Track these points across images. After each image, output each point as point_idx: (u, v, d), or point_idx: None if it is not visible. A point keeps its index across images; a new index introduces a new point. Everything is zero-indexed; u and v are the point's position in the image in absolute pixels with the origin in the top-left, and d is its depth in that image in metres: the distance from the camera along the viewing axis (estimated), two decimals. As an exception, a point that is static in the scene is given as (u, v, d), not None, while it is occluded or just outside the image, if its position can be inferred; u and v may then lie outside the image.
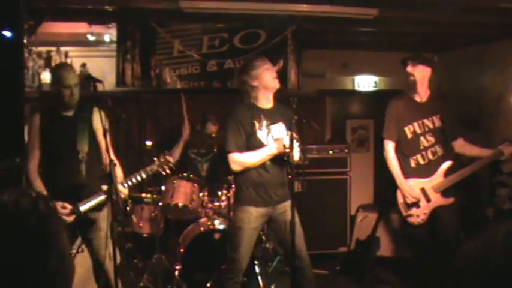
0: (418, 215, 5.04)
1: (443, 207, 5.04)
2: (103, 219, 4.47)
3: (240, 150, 4.48)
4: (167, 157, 4.72)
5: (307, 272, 4.67)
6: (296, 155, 4.37)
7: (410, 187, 5.05)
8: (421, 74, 5.03)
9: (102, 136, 4.24)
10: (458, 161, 5.20)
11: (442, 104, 5.22)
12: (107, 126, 4.21)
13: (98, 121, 4.38)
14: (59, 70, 4.57)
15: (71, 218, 4.30)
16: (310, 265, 4.70)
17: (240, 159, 4.45)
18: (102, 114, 4.29)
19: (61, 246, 1.27)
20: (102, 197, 4.39)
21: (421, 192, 5.05)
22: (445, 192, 5.05)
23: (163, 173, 4.77)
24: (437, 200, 5.03)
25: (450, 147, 5.17)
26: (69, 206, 4.30)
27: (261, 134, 4.50)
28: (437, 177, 5.04)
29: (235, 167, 4.51)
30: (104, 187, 4.38)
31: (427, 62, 5.10)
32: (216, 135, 6.36)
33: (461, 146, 5.20)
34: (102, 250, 4.41)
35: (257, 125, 4.50)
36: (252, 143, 4.50)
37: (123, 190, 4.46)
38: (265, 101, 4.59)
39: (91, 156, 4.54)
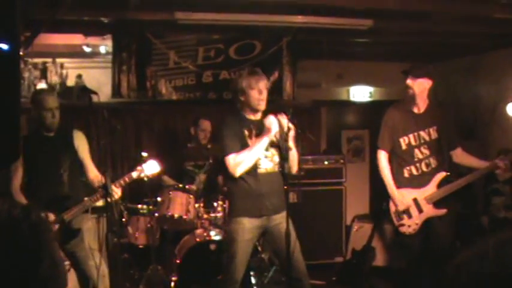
0: (410, 225, 5.03)
1: (439, 217, 5.01)
2: (87, 230, 4.60)
3: (237, 152, 4.42)
4: (143, 158, 4.89)
5: (305, 284, 4.66)
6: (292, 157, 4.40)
7: (401, 195, 5.05)
8: (420, 87, 4.96)
9: (85, 156, 4.63)
10: (457, 170, 5.20)
11: (440, 113, 5.15)
12: (83, 148, 4.67)
13: (79, 141, 4.72)
14: (40, 94, 4.71)
15: (55, 227, 4.39)
16: (308, 276, 4.69)
17: (238, 159, 4.36)
18: (82, 135, 4.74)
19: (52, 253, 1.28)
20: (83, 205, 4.50)
21: (413, 202, 5.03)
22: (437, 203, 5.01)
23: (145, 179, 4.84)
24: (429, 211, 5.01)
25: (445, 159, 5.13)
26: (52, 216, 4.39)
27: (251, 142, 4.49)
28: (430, 188, 5.02)
29: (235, 169, 4.39)
30: (86, 199, 4.52)
31: (428, 75, 5.00)
32: (211, 147, 6.36)
33: (459, 155, 5.16)
34: (89, 261, 4.49)
35: (247, 133, 4.49)
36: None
37: (116, 190, 4.55)
38: (253, 114, 4.56)
39: (72, 169, 4.67)
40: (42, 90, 5.09)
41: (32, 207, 1.30)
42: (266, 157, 4.49)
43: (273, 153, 4.52)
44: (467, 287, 1.00)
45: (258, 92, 4.43)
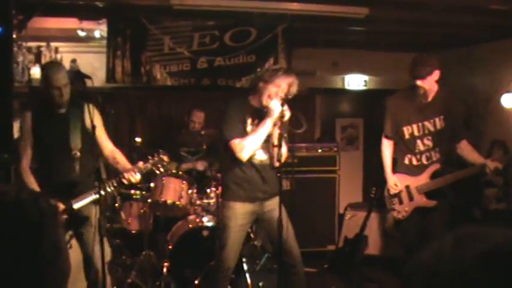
0: (399, 211, 5.09)
1: (436, 209, 5.03)
2: (95, 216, 4.46)
3: (242, 137, 4.41)
4: (161, 156, 4.62)
5: (299, 270, 4.68)
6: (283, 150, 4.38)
7: (394, 179, 5.10)
8: (430, 82, 4.85)
9: (98, 128, 4.32)
10: (460, 161, 5.20)
11: (449, 103, 5.01)
12: (96, 122, 4.24)
13: (92, 116, 4.38)
14: (48, 71, 4.47)
15: (63, 216, 4.28)
16: (302, 263, 4.71)
17: (244, 142, 4.35)
18: (95, 109, 4.36)
19: (56, 238, 1.28)
20: (94, 196, 4.30)
21: (405, 189, 5.07)
22: (429, 195, 5.02)
23: (157, 172, 4.74)
24: (419, 200, 5.03)
25: (446, 151, 5.10)
26: (61, 206, 4.27)
27: (251, 130, 4.49)
28: (423, 178, 5.01)
29: (242, 153, 4.36)
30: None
31: (435, 67, 4.84)
32: (205, 133, 6.36)
33: (463, 148, 5.08)
34: (95, 247, 4.38)
35: (249, 121, 4.49)
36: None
37: (136, 177, 4.43)
38: (261, 103, 4.55)
39: (85, 154, 4.47)
40: (50, 65, 4.85)
41: (41, 194, 1.31)
42: (261, 148, 4.50)
43: (268, 144, 4.52)
44: (423, 285, 1.00)
45: (274, 93, 4.36)
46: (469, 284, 0.97)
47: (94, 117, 4.33)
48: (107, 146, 4.62)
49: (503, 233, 1.03)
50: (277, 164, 4.40)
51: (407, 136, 5.03)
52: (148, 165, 4.54)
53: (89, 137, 4.45)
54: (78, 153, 4.44)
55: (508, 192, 6.74)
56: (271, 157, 4.49)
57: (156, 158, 4.58)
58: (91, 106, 4.38)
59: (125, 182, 4.42)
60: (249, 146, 4.36)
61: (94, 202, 4.39)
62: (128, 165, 4.53)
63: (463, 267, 0.98)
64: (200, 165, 6.56)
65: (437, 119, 4.95)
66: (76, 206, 4.31)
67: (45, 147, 4.45)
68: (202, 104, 7.21)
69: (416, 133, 5.00)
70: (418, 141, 5.00)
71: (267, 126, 4.32)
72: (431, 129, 4.97)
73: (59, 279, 1.28)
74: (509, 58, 7.18)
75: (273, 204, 4.46)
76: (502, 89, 7.05)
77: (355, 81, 8.78)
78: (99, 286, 4.45)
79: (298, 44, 7.73)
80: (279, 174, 4.36)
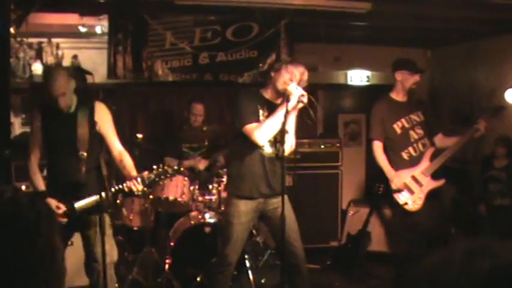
0: (414, 201, 5.16)
1: (429, 202, 5.17)
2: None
3: (257, 121, 4.36)
4: (166, 167, 4.51)
5: (302, 270, 4.65)
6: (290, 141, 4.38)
7: (398, 175, 5.20)
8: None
9: (106, 131, 4.35)
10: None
11: (420, 102, 5.65)
12: (107, 121, 4.33)
13: (101, 115, 4.43)
14: (48, 77, 4.41)
15: (63, 219, 4.24)
16: (305, 262, 4.69)
17: (261, 125, 4.29)
18: (105, 108, 4.39)
19: (52, 241, 1.26)
20: (96, 198, 4.24)
21: (412, 179, 5.19)
22: (434, 176, 5.22)
23: (160, 183, 4.69)
24: (428, 184, 5.20)
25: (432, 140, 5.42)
26: (63, 207, 4.23)
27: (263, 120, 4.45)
28: (424, 163, 5.23)
29: (258, 137, 4.30)
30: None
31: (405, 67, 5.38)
32: (207, 129, 6.32)
33: (441, 139, 5.40)
34: (98, 246, 4.33)
35: (261, 112, 4.45)
36: None
37: (138, 187, 4.37)
38: (273, 95, 4.51)
39: (91, 155, 4.40)
40: (50, 71, 4.66)
41: (38, 195, 1.29)
42: (268, 141, 4.47)
43: (275, 137, 4.50)
44: None
45: (291, 78, 4.34)
46: None
47: (104, 117, 4.33)
48: (116, 147, 4.56)
49: None
50: (287, 151, 4.37)
51: (399, 131, 5.27)
52: (152, 176, 4.45)
53: (97, 137, 4.44)
54: (85, 154, 4.37)
55: (512, 188, 6.73)
56: (278, 149, 4.44)
57: (160, 169, 4.49)
58: (102, 105, 4.40)
59: (126, 189, 4.38)
60: (267, 129, 4.29)
61: (99, 205, 4.30)
62: (133, 172, 4.45)
63: (470, 281, 0.94)
64: (201, 165, 6.53)
65: (418, 113, 5.36)
66: (77, 205, 4.28)
67: (52, 147, 4.42)
68: (203, 99, 7.17)
69: (406, 125, 5.28)
70: (411, 132, 5.29)
71: (284, 113, 4.19)
72: (418, 119, 5.34)
73: (53, 280, 1.25)
74: (513, 53, 7.14)
75: (277, 202, 4.42)
76: (505, 84, 7.00)
77: (358, 77, 8.73)
78: (101, 285, 4.43)
79: (300, 39, 7.69)
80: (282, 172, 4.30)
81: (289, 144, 4.41)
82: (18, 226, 1.19)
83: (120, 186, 4.34)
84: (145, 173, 4.42)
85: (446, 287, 0.96)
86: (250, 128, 4.33)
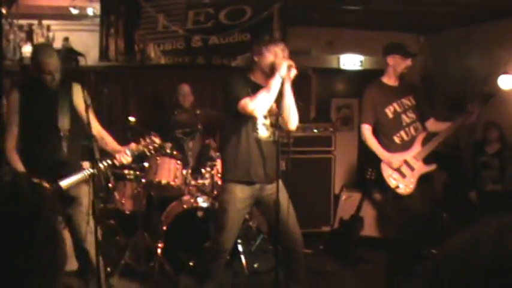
0: (406, 184, 5.15)
1: (421, 186, 5.16)
2: (85, 195, 4.37)
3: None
4: (153, 138, 4.57)
5: (299, 255, 4.65)
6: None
7: (392, 156, 5.18)
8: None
9: (84, 112, 4.18)
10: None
11: (412, 86, 5.58)
12: (89, 102, 4.17)
13: (79, 97, 4.33)
14: (40, 55, 4.35)
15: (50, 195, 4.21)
16: (303, 247, 4.68)
17: (256, 98, 4.25)
18: (83, 89, 4.26)
19: (53, 225, 1.24)
20: (83, 174, 4.27)
21: (404, 163, 5.18)
22: (426, 160, 5.22)
23: (148, 154, 4.67)
24: (420, 168, 5.19)
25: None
26: (47, 186, 4.21)
27: None
28: (416, 147, 5.21)
29: (254, 109, 4.24)
30: (85, 163, 4.31)
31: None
32: (200, 112, 6.26)
33: (433, 124, 5.38)
34: (83, 226, 4.33)
35: (251, 93, 4.43)
36: (244, 115, 4.41)
37: (127, 158, 4.41)
38: (261, 78, 4.48)
39: (72, 134, 4.41)
40: (42, 49, 4.64)
41: (24, 175, 1.26)
42: (264, 124, 4.46)
43: (271, 121, 4.48)
44: (453, 276, 0.92)
45: (274, 56, 4.37)
46: (510, 277, 0.90)
47: (82, 98, 4.28)
48: (95, 127, 4.50)
49: None
50: (293, 127, 4.50)
51: (391, 115, 5.25)
52: (140, 147, 4.50)
53: (77, 117, 4.43)
54: (67, 134, 4.37)
55: (503, 174, 6.76)
56: (273, 133, 4.42)
57: (148, 140, 4.54)
58: (79, 86, 4.36)
59: (117, 163, 4.37)
60: (262, 100, 4.25)
61: (85, 182, 4.33)
62: (118, 147, 4.48)
63: (504, 259, 0.90)
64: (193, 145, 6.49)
65: (410, 97, 5.32)
66: (64, 184, 4.24)
67: (33, 127, 4.35)
68: (190, 80, 7.13)
69: (398, 109, 5.26)
70: (403, 116, 5.26)
71: (277, 81, 4.22)
72: (409, 103, 5.31)
73: (56, 265, 1.23)
74: (507, 39, 7.12)
75: (273, 188, 4.39)
76: (499, 70, 7.00)
77: (351, 61, 8.71)
78: (92, 269, 4.39)
79: (293, 22, 7.65)
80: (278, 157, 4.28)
81: (294, 118, 4.47)
82: (19, 210, 1.16)
83: (109, 162, 4.34)
84: (133, 144, 4.46)
85: (476, 268, 0.93)
86: (245, 101, 4.29)
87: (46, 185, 4.16)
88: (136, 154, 4.50)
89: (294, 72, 4.24)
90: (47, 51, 4.41)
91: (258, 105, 4.24)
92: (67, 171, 4.29)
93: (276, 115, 4.30)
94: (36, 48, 4.82)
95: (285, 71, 4.20)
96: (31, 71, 4.41)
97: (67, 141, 4.37)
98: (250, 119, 4.41)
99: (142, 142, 4.52)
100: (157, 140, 4.57)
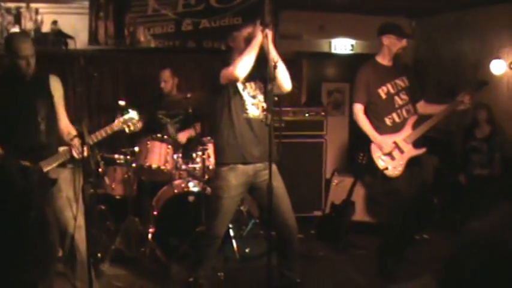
0: (395, 167, 5.15)
1: (410, 169, 5.18)
2: (64, 180, 4.33)
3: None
4: (130, 115, 4.60)
5: (294, 241, 4.63)
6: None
7: (383, 138, 5.18)
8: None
9: (60, 100, 4.34)
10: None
11: (405, 66, 5.65)
12: (59, 94, 4.33)
13: (55, 86, 4.40)
14: (15, 41, 4.30)
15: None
16: (297, 232, 4.66)
17: (236, 64, 4.23)
18: (58, 81, 4.40)
19: (45, 211, 1.21)
20: (63, 158, 4.27)
21: (394, 144, 5.18)
22: (416, 144, 5.21)
23: (127, 130, 4.64)
24: (410, 151, 5.19)
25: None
26: (29, 165, 4.17)
27: (240, 87, 4.45)
28: (406, 130, 5.21)
29: (236, 72, 4.22)
30: (61, 148, 4.31)
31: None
32: (191, 96, 6.19)
33: (423, 106, 5.40)
34: (65, 211, 4.28)
35: None
36: (232, 96, 4.43)
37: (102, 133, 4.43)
38: None
39: (50, 118, 4.39)
40: (15, 35, 4.68)
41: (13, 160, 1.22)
42: (253, 104, 4.43)
43: (260, 100, 4.49)
44: (481, 258, 0.89)
45: (244, 40, 4.39)
46: None
47: (57, 90, 4.39)
48: (63, 121, 4.52)
49: None
50: (287, 88, 4.52)
51: (384, 96, 5.24)
52: (118, 125, 4.54)
53: (53, 107, 4.43)
54: (45, 118, 4.34)
55: (492, 159, 6.79)
56: (266, 117, 4.39)
57: (125, 117, 4.59)
58: (56, 78, 4.42)
59: (91, 142, 4.33)
60: (242, 63, 4.23)
61: (64, 167, 4.32)
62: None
63: None
64: (182, 137, 6.45)
65: (403, 78, 5.33)
66: (46, 168, 4.20)
67: (10, 116, 4.30)
68: (186, 67, 7.09)
69: (392, 90, 5.25)
70: (396, 97, 5.26)
71: (255, 43, 4.25)
72: (403, 85, 5.31)
73: (47, 255, 1.20)
74: (500, 24, 7.11)
75: (267, 174, 4.35)
76: (491, 55, 6.99)
77: (342, 45, 8.68)
78: (74, 254, 4.35)
79: (284, 6, 7.60)
80: (272, 141, 4.24)
81: (286, 78, 4.49)
82: (9, 199, 1.13)
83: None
84: (111, 125, 4.51)
85: (504, 248, 0.89)
86: (226, 70, 4.29)
87: (28, 164, 4.13)
88: (116, 130, 4.52)
89: (270, 34, 4.23)
90: (21, 37, 4.43)
91: (238, 66, 4.22)
92: (47, 155, 4.26)
93: (268, 99, 4.24)
94: (10, 35, 4.84)
95: (261, 36, 4.21)
96: (5, 59, 4.34)
97: (46, 126, 4.34)
98: (238, 99, 4.43)
99: (120, 119, 4.56)
100: (134, 115, 4.61)
